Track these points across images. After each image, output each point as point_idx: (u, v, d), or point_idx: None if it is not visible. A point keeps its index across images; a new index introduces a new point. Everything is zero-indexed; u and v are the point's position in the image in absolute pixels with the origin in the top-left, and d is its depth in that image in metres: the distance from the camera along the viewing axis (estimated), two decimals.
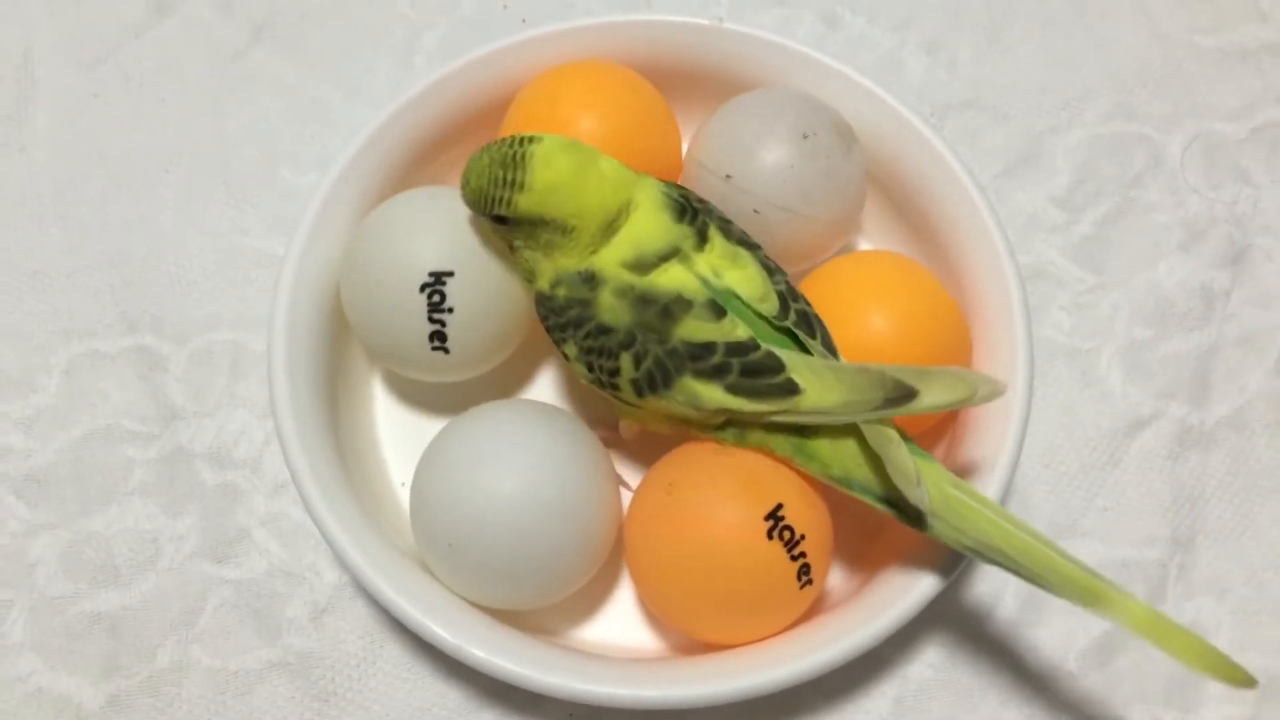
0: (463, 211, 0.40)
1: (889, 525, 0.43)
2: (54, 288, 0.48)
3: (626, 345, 0.37)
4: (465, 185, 0.38)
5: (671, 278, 0.37)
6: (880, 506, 0.36)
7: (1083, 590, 0.34)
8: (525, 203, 0.37)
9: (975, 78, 0.53)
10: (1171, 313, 0.48)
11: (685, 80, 0.48)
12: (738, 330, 0.36)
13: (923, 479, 0.34)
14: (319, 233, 0.43)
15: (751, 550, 0.36)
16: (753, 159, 0.42)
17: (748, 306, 0.37)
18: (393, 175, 0.45)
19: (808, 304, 0.38)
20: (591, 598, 0.42)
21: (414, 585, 0.38)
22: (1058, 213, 0.50)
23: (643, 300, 0.37)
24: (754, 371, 0.36)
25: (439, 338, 0.40)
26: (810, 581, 0.37)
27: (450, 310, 0.40)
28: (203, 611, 0.42)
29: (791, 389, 0.36)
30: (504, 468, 0.37)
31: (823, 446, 0.36)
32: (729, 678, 0.36)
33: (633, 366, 0.37)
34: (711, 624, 0.38)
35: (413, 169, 0.46)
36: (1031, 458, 0.45)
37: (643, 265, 0.37)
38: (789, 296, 0.38)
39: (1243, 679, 0.33)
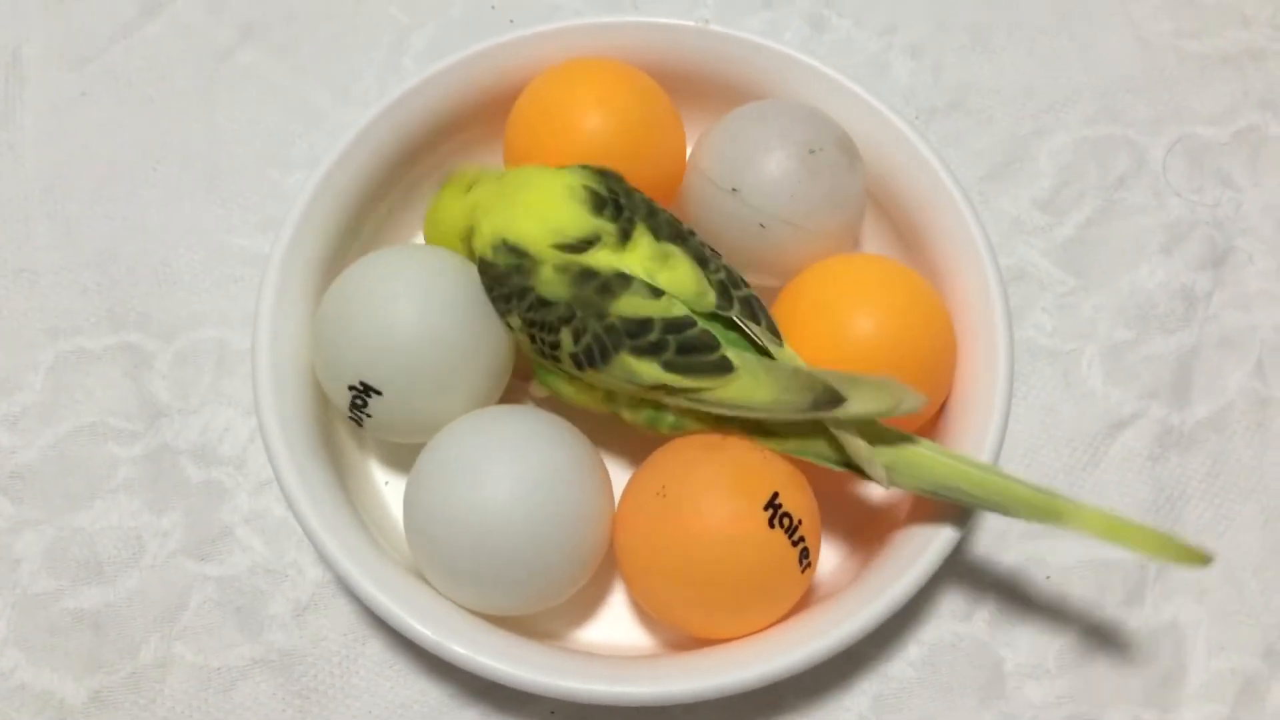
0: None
1: (873, 516, 0.43)
2: (41, 285, 0.48)
3: (566, 320, 0.38)
4: None
5: (606, 260, 0.38)
6: (840, 469, 0.38)
7: (1038, 507, 0.36)
8: None
9: (960, 81, 0.54)
10: (1153, 314, 0.48)
11: (671, 82, 0.48)
12: (674, 308, 0.37)
13: (873, 453, 0.37)
14: (305, 232, 0.43)
15: (755, 542, 0.36)
16: (760, 173, 0.42)
17: (686, 304, 0.38)
18: (380, 175, 0.45)
19: (748, 287, 0.39)
20: (583, 597, 0.42)
21: (395, 582, 0.38)
22: (1040, 215, 0.50)
23: (582, 275, 0.38)
24: (689, 348, 0.37)
25: (356, 421, 0.40)
26: (810, 564, 0.38)
27: (369, 416, 0.40)
28: (186, 608, 0.42)
29: (725, 366, 0.37)
30: (497, 474, 0.37)
31: (775, 427, 0.38)
32: (709, 674, 0.37)
33: (572, 341, 0.38)
34: (714, 620, 0.38)
35: (400, 169, 0.46)
36: (1013, 458, 0.45)
37: (570, 248, 0.39)
38: (729, 284, 0.39)
39: (1199, 558, 0.36)
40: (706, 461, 0.38)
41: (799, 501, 0.37)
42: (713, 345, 0.37)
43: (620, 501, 0.40)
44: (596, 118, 0.43)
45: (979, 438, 0.40)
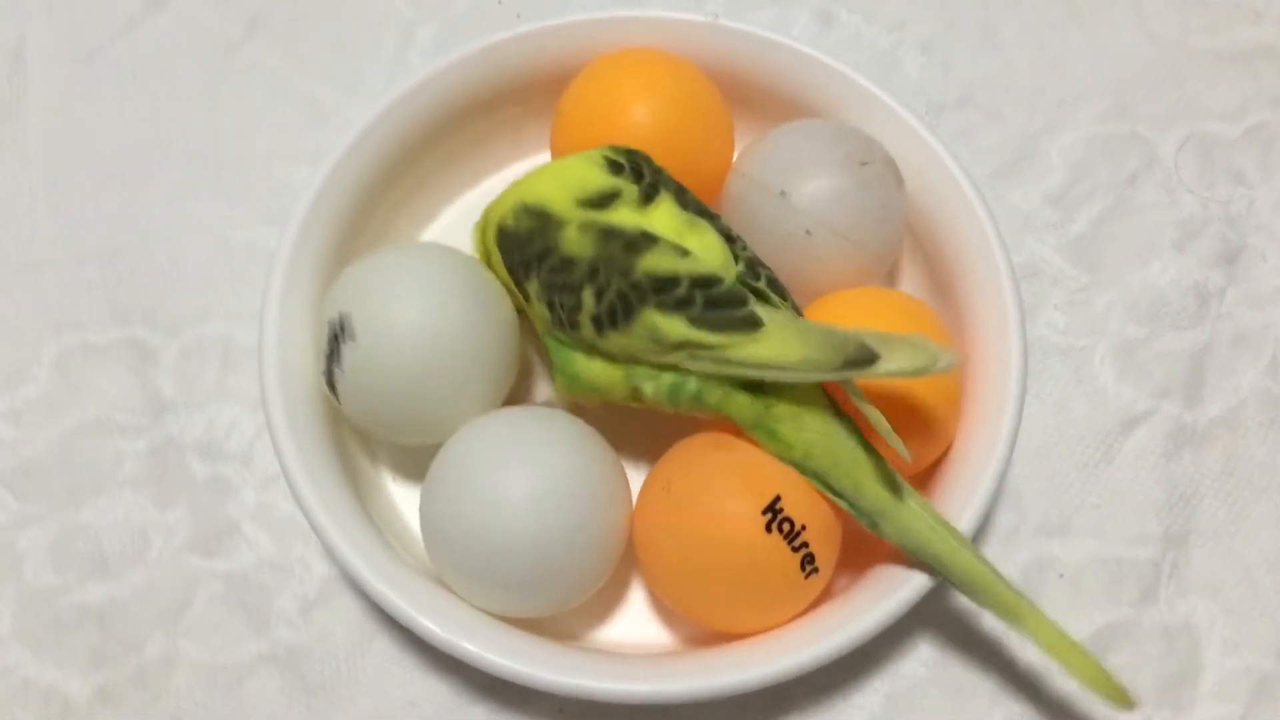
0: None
1: None
2: (45, 280, 0.48)
3: (590, 277, 0.37)
4: None
5: (635, 219, 0.38)
6: (836, 499, 0.37)
7: (1003, 602, 0.36)
8: None
9: (970, 77, 0.53)
10: (1165, 311, 0.48)
11: None
12: (702, 266, 0.37)
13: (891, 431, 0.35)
14: (311, 227, 0.42)
15: (751, 544, 0.36)
16: (809, 180, 0.41)
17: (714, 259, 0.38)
18: (386, 170, 0.45)
19: (773, 272, 0.39)
20: (602, 596, 0.41)
21: (403, 579, 0.37)
22: (1052, 212, 0.50)
23: (607, 234, 0.37)
24: (718, 303, 0.36)
25: (330, 385, 0.40)
26: (816, 570, 0.37)
27: (342, 372, 0.39)
28: (192, 604, 0.42)
29: (754, 321, 0.35)
30: (515, 477, 0.36)
31: (784, 421, 0.36)
32: (717, 673, 0.36)
33: (594, 301, 0.37)
34: (721, 615, 0.38)
35: (406, 164, 0.46)
36: (1025, 455, 0.45)
37: (594, 203, 0.38)
38: (756, 263, 0.38)
39: (1126, 700, 0.36)
40: (712, 460, 0.37)
41: (805, 507, 0.37)
42: (742, 300, 0.36)
43: (638, 495, 0.39)
44: (642, 109, 0.43)
45: (992, 436, 0.39)
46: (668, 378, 0.37)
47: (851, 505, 0.36)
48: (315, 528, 0.38)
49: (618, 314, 0.37)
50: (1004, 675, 0.42)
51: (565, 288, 0.38)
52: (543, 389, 0.46)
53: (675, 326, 0.36)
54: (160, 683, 0.41)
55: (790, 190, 0.41)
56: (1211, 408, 0.46)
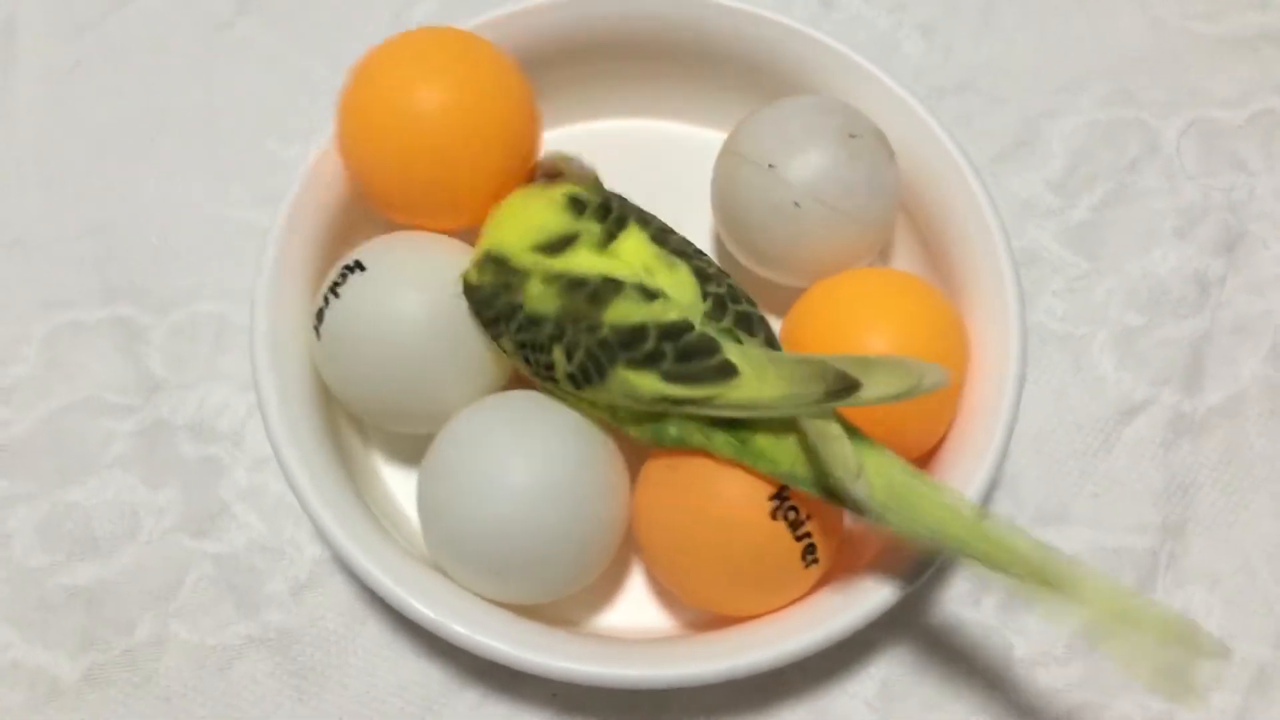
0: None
1: None
2: (34, 257, 0.48)
3: (557, 337, 0.37)
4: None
5: (596, 263, 0.37)
6: (831, 501, 0.35)
7: (1038, 569, 0.32)
8: None
9: (971, 61, 0.53)
10: (1165, 299, 0.48)
11: (675, 54, 0.48)
12: (669, 312, 0.36)
13: (865, 471, 0.33)
14: (304, 205, 0.42)
15: (755, 529, 0.36)
16: (797, 152, 0.41)
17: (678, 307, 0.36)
18: None
19: (751, 305, 0.37)
20: (601, 581, 0.41)
21: (394, 561, 0.37)
22: (1052, 198, 0.50)
23: (571, 285, 0.36)
24: (689, 355, 0.35)
25: (319, 316, 0.39)
26: (816, 561, 0.37)
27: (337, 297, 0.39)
28: (182, 585, 0.42)
29: (728, 370, 0.34)
30: (512, 462, 0.36)
31: (765, 444, 0.35)
32: (711, 659, 0.36)
33: (565, 359, 0.37)
34: (718, 598, 0.38)
35: None
36: (1022, 443, 0.45)
37: (551, 247, 0.37)
38: (728, 299, 0.37)
39: (1220, 651, 0.32)
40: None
41: (811, 498, 0.36)
42: (712, 348, 0.35)
43: (639, 476, 0.39)
44: (431, 93, 0.39)
45: (989, 424, 0.39)
46: (649, 425, 0.37)
47: (854, 504, 0.34)
48: (306, 509, 0.37)
49: (590, 372, 0.36)
50: (1000, 663, 0.41)
51: (535, 346, 0.37)
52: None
53: (649, 383, 0.35)
54: (150, 664, 0.41)
55: (779, 163, 0.41)
56: (1211, 396, 0.46)
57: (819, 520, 0.36)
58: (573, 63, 0.47)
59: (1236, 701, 0.41)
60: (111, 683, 0.40)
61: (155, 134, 0.50)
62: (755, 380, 0.34)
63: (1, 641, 0.41)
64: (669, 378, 0.35)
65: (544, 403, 0.38)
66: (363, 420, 0.43)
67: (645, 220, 0.39)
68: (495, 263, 0.38)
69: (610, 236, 0.37)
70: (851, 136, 0.41)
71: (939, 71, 0.53)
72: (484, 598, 0.37)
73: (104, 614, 0.41)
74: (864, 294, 0.40)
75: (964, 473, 0.38)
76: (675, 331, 0.35)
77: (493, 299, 0.38)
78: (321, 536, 0.41)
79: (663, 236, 0.38)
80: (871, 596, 0.37)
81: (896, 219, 0.45)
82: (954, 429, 0.40)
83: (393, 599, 0.36)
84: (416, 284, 0.38)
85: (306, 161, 0.42)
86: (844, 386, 0.33)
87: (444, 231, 0.41)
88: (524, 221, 0.38)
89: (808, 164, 0.41)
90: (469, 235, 0.41)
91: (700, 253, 0.39)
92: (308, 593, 0.42)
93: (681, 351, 0.35)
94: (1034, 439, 0.45)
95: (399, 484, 0.43)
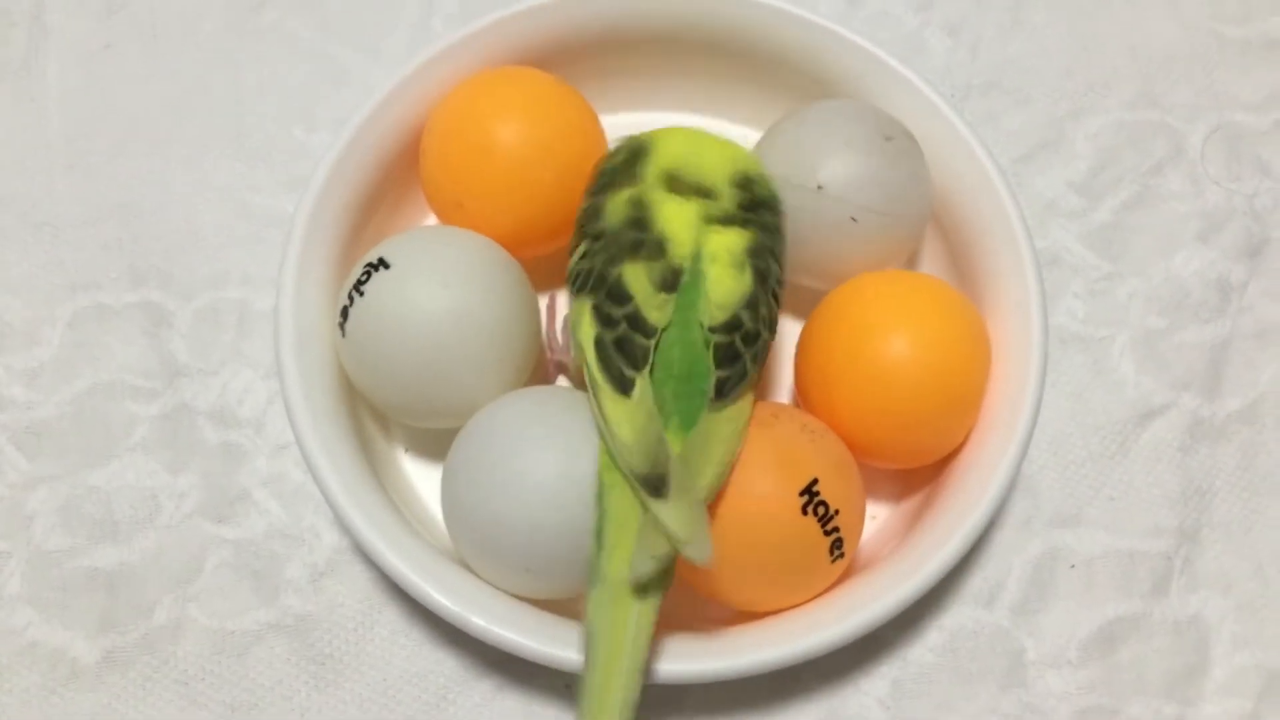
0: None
1: (899, 495, 0.43)
2: (61, 239, 0.48)
3: (595, 238, 0.38)
4: None
5: (679, 221, 0.38)
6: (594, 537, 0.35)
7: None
8: None
9: (997, 60, 0.53)
10: (1187, 303, 0.48)
11: (702, 49, 0.48)
12: (658, 311, 0.37)
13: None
14: (330, 193, 0.42)
15: (785, 525, 0.36)
16: (844, 166, 0.41)
17: (698, 302, 0.37)
18: (408, 138, 0.44)
19: (754, 359, 0.37)
20: None
21: (415, 551, 0.37)
22: (1076, 199, 0.50)
23: (637, 222, 0.38)
24: (624, 346, 0.36)
25: (344, 314, 0.40)
26: (842, 555, 0.37)
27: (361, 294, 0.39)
28: (201, 570, 0.42)
29: (625, 386, 0.36)
30: (538, 455, 0.36)
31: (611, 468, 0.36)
32: (724, 655, 0.37)
33: (579, 257, 0.39)
34: (744, 593, 0.38)
35: None
36: (1040, 445, 0.45)
37: (675, 184, 0.39)
38: (742, 333, 0.37)
39: None
40: (751, 437, 0.37)
41: (841, 491, 0.37)
42: (638, 363, 0.36)
43: None
44: (508, 129, 0.42)
45: (1009, 426, 0.39)
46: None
47: (594, 556, 0.35)
48: (327, 496, 0.38)
49: (576, 281, 0.38)
50: (1012, 665, 0.41)
51: (580, 227, 0.39)
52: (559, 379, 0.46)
53: (587, 330, 0.37)
54: (168, 648, 0.41)
55: (825, 183, 0.41)
56: (1230, 402, 0.46)
57: (847, 514, 0.37)
58: (602, 56, 0.47)
59: (1247, 708, 0.41)
60: (130, 665, 0.41)
61: (183, 118, 0.50)
62: (627, 415, 0.35)
63: (21, 622, 0.42)
64: (598, 344, 0.37)
65: (568, 397, 0.38)
66: (387, 415, 0.43)
67: (769, 237, 0.39)
68: (633, 153, 0.40)
69: (726, 223, 0.38)
70: (887, 139, 0.42)
71: (965, 70, 0.52)
72: (508, 592, 0.37)
73: (123, 597, 0.42)
74: (887, 297, 0.40)
75: (984, 474, 0.39)
76: (641, 325, 0.36)
77: (608, 172, 0.40)
78: (342, 525, 0.42)
79: (763, 250, 0.38)
80: (886, 597, 0.37)
81: (933, 228, 0.46)
82: (975, 429, 0.40)
83: (412, 589, 0.37)
84: (441, 281, 0.39)
85: (334, 149, 0.42)
86: (651, 484, 0.34)
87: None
88: (694, 154, 0.40)
89: (856, 179, 0.41)
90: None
91: (776, 293, 0.39)
92: (326, 580, 0.42)
93: (622, 340, 0.36)
94: (1052, 440, 0.45)
95: (420, 475, 0.43)
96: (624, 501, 0.35)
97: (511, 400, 0.38)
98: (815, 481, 0.36)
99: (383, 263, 0.39)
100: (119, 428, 0.44)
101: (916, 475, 0.43)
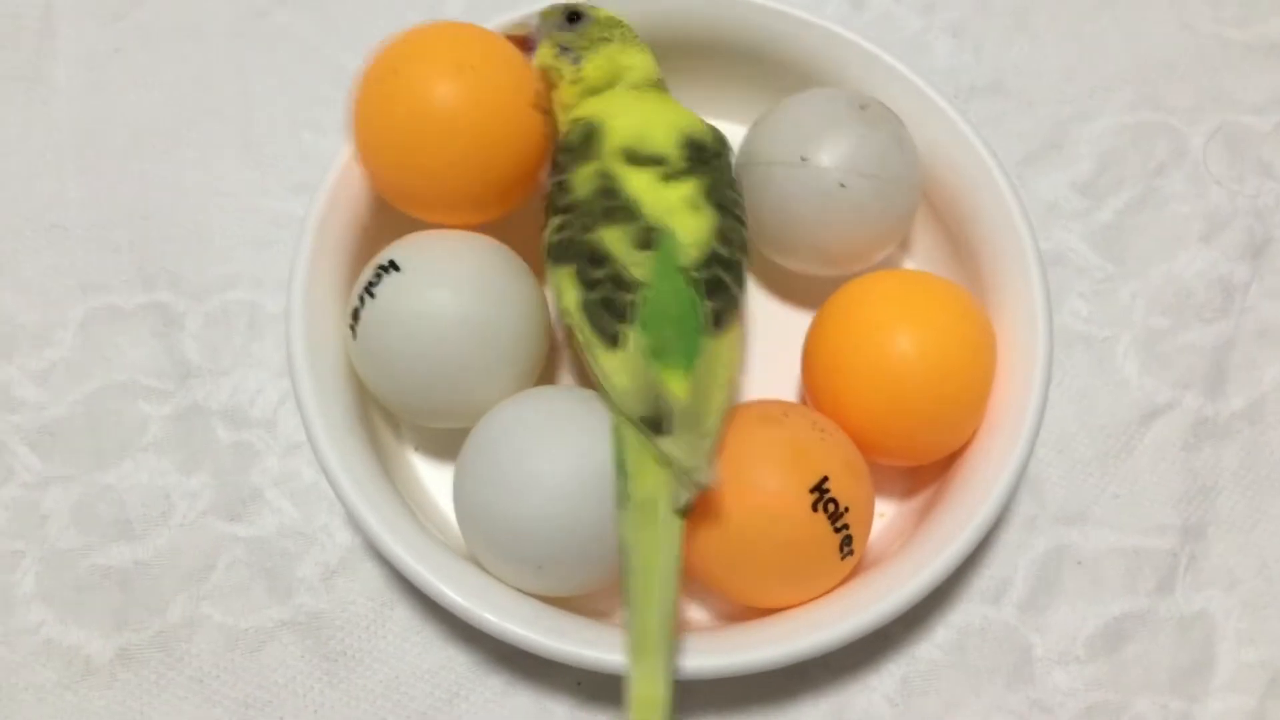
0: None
1: (908, 492, 0.43)
2: (72, 241, 0.48)
3: (564, 211, 0.40)
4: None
5: (644, 187, 0.39)
6: (616, 467, 0.37)
7: (638, 639, 0.35)
8: (603, 12, 0.43)
9: (1001, 62, 0.53)
10: (1190, 303, 0.48)
11: (707, 51, 0.48)
12: (638, 269, 0.38)
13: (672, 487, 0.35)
14: (340, 195, 0.42)
15: (796, 521, 0.36)
16: (824, 137, 0.42)
17: (675, 250, 0.38)
18: None
19: (737, 282, 0.39)
20: None
21: (426, 547, 0.38)
22: (1079, 200, 0.50)
23: (606, 191, 0.39)
24: (608, 305, 0.37)
25: (355, 315, 0.40)
26: (851, 552, 0.37)
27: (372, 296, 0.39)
28: (214, 569, 0.42)
29: (615, 340, 0.37)
30: (549, 454, 0.36)
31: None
32: (733, 652, 0.37)
33: (554, 231, 0.40)
34: (753, 589, 0.38)
35: None
36: (1045, 444, 0.45)
37: (633, 157, 0.40)
38: (720, 263, 0.39)
39: None
40: (762, 434, 0.37)
41: (852, 489, 0.37)
42: (624, 316, 0.37)
43: None
44: (447, 90, 0.39)
45: (1015, 426, 0.39)
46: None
47: (621, 483, 0.36)
48: (339, 494, 0.38)
49: (555, 253, 0.39)
50: (1019, 661, 0.42)
51: (551, 204, 0.41)
52: (565, 375, 0.46)
53: (571, 297, 0.38)
54: (182, 646, 0.41)
55: (809, 154, 0.42)
56: (1233, 401, 0.46)
57: (856, 512, 0.37)
58: None
59: (1252, 704, 0.41)
60: (144, 663, 0.41)
61: (192, 122, 0.51)
62: (620, 365, 0.37)
63: (36, 620, 0.42)
64: (585, 307, 0.38)
65: (579, 396, 0.39)
66: (398, 416, 0.43)
67: (717, 176, 0.41)
68: (587, 135, 0.41)
69: (686, 173, 0.40)
70: (862, 108, 0.43)
71: (969, 72, 0.53)
72: (520, 590, 0.38)
73: (137, 595, 0.42)
74: (894, 295, 0.41)
75: (990, 473, 0.39)
76: (622, 282, 0.38)
77: (567, 149, 0.41)
78: (354, 523, 0.42)
79: (719, 187, 0.40)
80: (895, 594, 0.37)
81: (925, 218, 0.46)
82: (981, 428, 0.41)
83: (424, 585, 0.37)
84: (451, 284, 0.39)
85: (344, 152, 0.43)
86: (653, 421, 0.36)
87: (464, 227, 0.42)
88: (643, 127, 0.41)
89: (837, 145, 0.42)
90: (491, 229, 0.42)
91: (741, 220, 0.41)
92: (338, 578, 0.42)
93: (607, 300, 0.37)
94: (1057, 440, 0.45)
95: (431, 474, 0.44)
96: (638, 433, 0.36)
97: (522, 400, 0.39)
98: (826, 479, 0.36)
99: (393, 265, 0.39)
100: (131, 428, 0.45)
101: (923, 473, 0.43)
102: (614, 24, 0.43)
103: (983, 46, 0.54)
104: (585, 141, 0.40)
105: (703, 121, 0.42)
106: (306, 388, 0.39)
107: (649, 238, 0.38)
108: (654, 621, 0.34)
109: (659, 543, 0.35)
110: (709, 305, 0.38)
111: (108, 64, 0.52)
